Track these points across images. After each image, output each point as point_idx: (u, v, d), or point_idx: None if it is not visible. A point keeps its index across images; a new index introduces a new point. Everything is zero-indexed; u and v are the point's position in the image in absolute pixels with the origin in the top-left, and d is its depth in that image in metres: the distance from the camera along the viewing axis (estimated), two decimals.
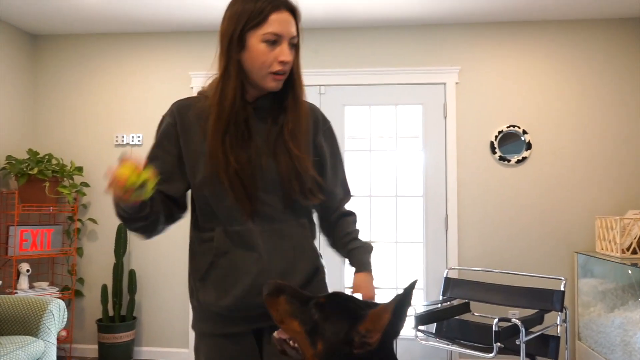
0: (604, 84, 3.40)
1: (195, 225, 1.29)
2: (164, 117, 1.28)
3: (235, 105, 1.18)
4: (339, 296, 0.97)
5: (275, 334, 1.00)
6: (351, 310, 0.92)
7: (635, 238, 2.91)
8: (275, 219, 1.23)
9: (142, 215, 1.16)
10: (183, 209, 1.30)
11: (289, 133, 1.22)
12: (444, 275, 3.27)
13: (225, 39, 1.18)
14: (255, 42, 1.16)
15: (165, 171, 1.23)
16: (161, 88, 3.69)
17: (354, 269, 1.31)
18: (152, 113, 3.63)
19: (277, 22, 1.15)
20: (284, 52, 1.17)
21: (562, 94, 3.43)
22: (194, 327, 1.32)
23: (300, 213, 1.28)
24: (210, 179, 1.20)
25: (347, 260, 1.35)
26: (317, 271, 1.30)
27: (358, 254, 1.32)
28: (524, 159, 3.40)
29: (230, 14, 1.18)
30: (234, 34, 1.16)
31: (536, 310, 2.83)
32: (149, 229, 1.22)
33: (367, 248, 1.34)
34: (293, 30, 1.19)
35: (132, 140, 3.68)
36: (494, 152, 3.42)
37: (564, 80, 3.43)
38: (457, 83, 3.48)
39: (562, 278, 2.88)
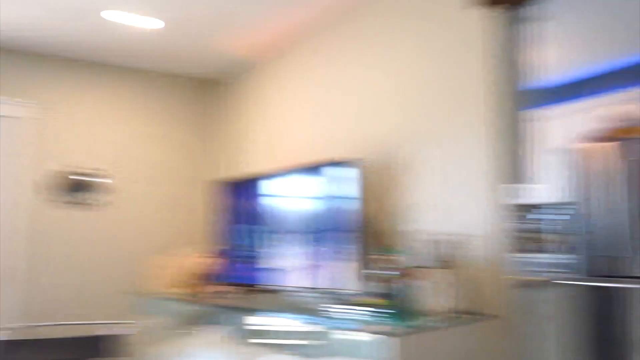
0: (182, 132, 3.70)
1: None
2: None
3: None
4: None
5: None
6: None
7: (186, 274, 3.19)
8: None
9: None
10: None
11: None
12: None
13: None
14: None
15: None
16: None
17: None
18: None
19: None
20: None
21: (141, 140, 3.57)
22: None
23: None
24: None
25: None
26: None
27: None
28: (103, 202, 3.39)
29: None
30: None
31: None
32: None
33: None
34: None
35: None
36: (71, 196, 3.30)
37: (141, 127, 3.58)
38: (35, 119, 3.25)
39: (116, 322, 2.94)
